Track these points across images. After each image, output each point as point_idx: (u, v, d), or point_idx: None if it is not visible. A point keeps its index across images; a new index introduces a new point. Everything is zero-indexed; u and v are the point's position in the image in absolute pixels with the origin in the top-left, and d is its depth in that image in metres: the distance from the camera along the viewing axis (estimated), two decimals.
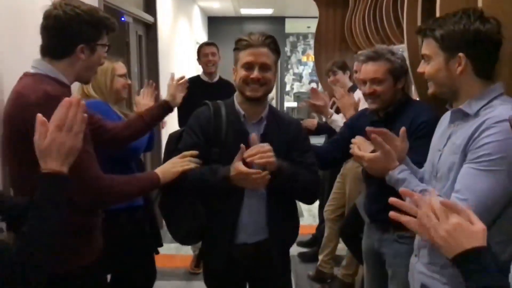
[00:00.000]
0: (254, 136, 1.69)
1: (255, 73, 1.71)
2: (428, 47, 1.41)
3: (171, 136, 1.97)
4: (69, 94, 1.55)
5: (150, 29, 4.53)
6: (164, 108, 2.22)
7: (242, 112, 1.79)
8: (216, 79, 3.82)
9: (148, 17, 4.40)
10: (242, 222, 1.77)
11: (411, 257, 1.57)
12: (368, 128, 1.54)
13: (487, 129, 1.24)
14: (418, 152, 1.60)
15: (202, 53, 3.79)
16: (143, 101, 2.43)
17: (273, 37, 1.76)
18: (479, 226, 0.97)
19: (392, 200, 1.14)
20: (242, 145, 1.64)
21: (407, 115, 1.89)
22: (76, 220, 1.47)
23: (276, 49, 1.77)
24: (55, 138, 1.10)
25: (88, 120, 1.24)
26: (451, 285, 1.32)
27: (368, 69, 1.97)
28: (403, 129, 1.54)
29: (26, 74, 1.51)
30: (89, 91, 2.17)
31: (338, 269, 3.47)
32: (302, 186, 1.76)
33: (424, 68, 1.44)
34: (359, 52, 3.00)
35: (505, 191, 1.22)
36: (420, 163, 1.57)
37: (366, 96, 2.00)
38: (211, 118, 1.77)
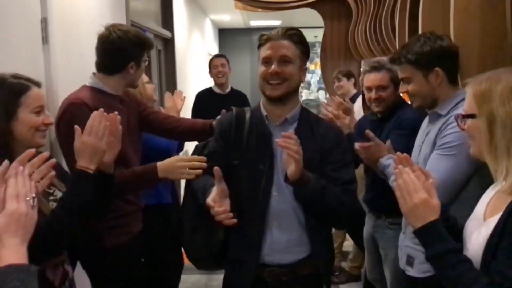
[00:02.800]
0: (216, 170, 1.46)
1: (273, 67, 1.52)
2: (404, 71, 1.74)
3: (197, 147, 1.91)
4: (112, 102, 1.88)
5: (168, 44, 4.90)
6: None
7: (265, 113, 1.62)
8: (228, 90, 3.94)
9: (166, 33, 4.77)
10: (272, 238, 1.55)
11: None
12: (358, 146, 1.93)
13: (450, 123, 1.57)
14: (396, 141, 1.96)
15: (212, 65, 3.94)
16: (170, 103, 2.81)
17: (297, 29, 1.59)
18: (436, 201, 1.17)
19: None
20: (216, 168, 1.45)
21: (398, 115, 2.23)
22: (113, 206, 1.81)
23: (300, 42, 1.57)
24: (85, 142, 1.44)
25: (137, 109, 1.81)
26: None
27: (373, 78, 2.30)
28: (388, 142, 1.91)
29: (82, 86, 1.87)
30: None
31: (345, 263, 3.76)
32: (331, 206, 1.50)
33: (405, 88, 1.76)
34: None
35: (463, 172, 1.54)
36: (398, 150, 1.88)
37: (372, 101, 2.31)
38: (232, 121, 1.64)
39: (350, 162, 1.60)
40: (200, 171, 1.67)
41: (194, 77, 6.38)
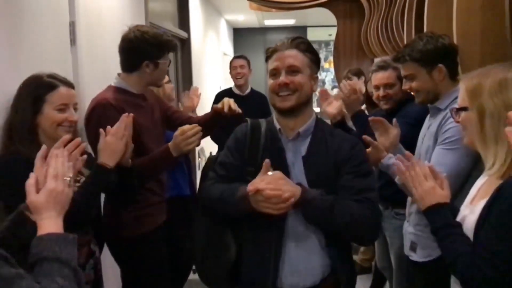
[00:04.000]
0: (267, 162, 1.44)
1: (281, 78, 1.48)
2: (408, 68, 1.85)
3: (209, 160, 1.87)
4: (135, 100, 2.02)
5: (185, 44, 5.05)
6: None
7: (278, 127, 1.56)
8: (247, 91, 3.95)
9: (183, 33, 4.92)
10: (290, 260, 1.47)
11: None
12: (370, 118, 1.98)
13: (449, 118, 1.66)
14: (400, 128, 2.01)
15: (232, 66, 3.97)
16: (188, 103, 2.94)
17: (303, 38, 1.54)
18: (446, 192, 1.35)
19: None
20: (266, 160, 1.43)
21: (405, 109, 2.32)
22: (140, 197, 1.96)
23: (309, 50, 1.53)
24: (107, 142, 1.60)
25: (161, 107, 2.02)
26: (431, 238, 1.73)
27: (380, 77, 2.40)
28: (395, 120, 1.97)
29: (108, 86, 2.02)
30: None
31: (356, 256, 3.86)
32: (343, 222, 1.41)
33: (409, 85, 1.87)
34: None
35: (466, 164, 1.64)
36: (402, 136, 1.97)
37: (380, 99, 2.41)
38: (247, 136, 1.57)
39: (367, 173, 1.49)
40: (200, 134, 1.77)
41: (209, 76, 6.53)
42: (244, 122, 1.63)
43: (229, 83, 8.56)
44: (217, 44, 7.81)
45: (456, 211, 1.41)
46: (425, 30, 2.15)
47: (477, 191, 1.29)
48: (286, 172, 1.46)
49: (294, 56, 1.50)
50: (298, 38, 1.53)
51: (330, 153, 1.49)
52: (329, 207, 1.40)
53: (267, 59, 1.56)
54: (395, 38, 3.97)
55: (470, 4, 1.82)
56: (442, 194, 1.34)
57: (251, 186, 1.37)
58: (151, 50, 1.96)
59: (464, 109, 1.27)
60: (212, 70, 6.88)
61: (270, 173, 1.39)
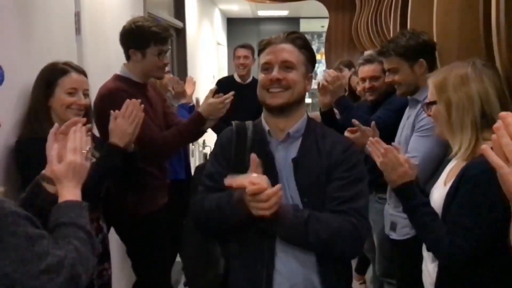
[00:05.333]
0: (253, 157, 1.29)
1: (274, 73, 1.37)
2: (391, 62, 2.00)
3: (198, 168, 1.80)
4: (136, 89, 2.15)
5: (180, 33, 5.16)
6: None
7: (267, 128, 1.44)
8: (249, 80, 3.90)
9: (178, 23, 5.02)
10: (281, 274, 1.35)
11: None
12: (353, 121, 2.12)
13: None
14: (383, 114, 2.25)
15: (236, 55, 3.92)
16: (179, 89, 3.09)
17: (301, 34, 1.44)
18: (413, 171, 1.52)
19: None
20: (253, 155, 1.30)
21: (390, 99, 2.47)
22: (142, 181, 2.10)
23: (305, 47, 1.42)
24: (117, 124, 1.75)
25: (162, 101, 2.17)
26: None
27: (367, 69, 2.56)
28: (373, 123, 2.10)
29: (114, 75, 2.16)
30: None
31: None
32: (319, 240, 1.29)
33: (392, 78, 2.03)
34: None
35: (438, 149, 1.81)
36: (383, 120, 2.17)
37: (366, 90, 2.57)
38: (233, 139, 1.46)
39: (359, 178, 1.37)
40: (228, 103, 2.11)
41: (203, 64, 6.64)
42: (229, 126, 1.51)
43: (223, 73, 8.66)
44: (211, 33, 7.90)
45: (426, 193, 1.58)
46: (408, 27, 2.30)
47: (447, 174, 1.46)
48: (275, 178, 1.34)
49: (289, 51, 1.39)
50: (295, 33, 1.43)
51: (323, 156, 1.38)
52: (303, 224, 1.28)
53: (259, 52, 1.45)
54: (384, 32, 4.13)
55: (448, 5, 1.97)
56: (410, 174, 1.51)
57: (231, 181, 1.22)
58: (135, 39, 2.11)
59: (433, 103, 1.43)
60: (206, 59, 6.99)
61: (254, 174, 1.23)
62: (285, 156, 1.40)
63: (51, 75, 1.75)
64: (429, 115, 1.48)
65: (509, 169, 0.75)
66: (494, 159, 0.77)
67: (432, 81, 1.44)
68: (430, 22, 2.10)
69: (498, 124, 0.76)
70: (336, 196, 1.33)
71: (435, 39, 2.02)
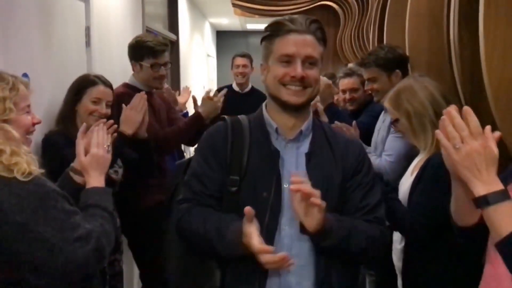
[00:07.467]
0: (248, 210, 1.17)
1: (298, 70, 1.23)
2: (371, 72, 2.29)
3: (179, 165, 1.60)
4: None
5: (174, 46, 5.41)
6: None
7: (275, 125, 1.31)
8: (247, 89, 3.89)
9: (172, 36, 5.28)
10: (280, 284, 1.25)
11: None
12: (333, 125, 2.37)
13: None
14: (365, 118, 2.50)
15: (234, 64, 3.89)
16: (171, 97, 3.30)
17: (319, 22, 1.29)
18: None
19: None
20: (248, 208, 1.17)
21: (370, 107, 2.74)
22: (138, 182, 2.33)
23: (323, 39, 1.29)
24: (127, 114, 2.03)
25: (167, 108, 2.43)
26: None
27: (347, 82, 2.84)
28: (354, 122, 2.34)
29: (123, 83, 2.42)
30: None
31: None
32: (359, 248, 1.25)
33: (371, 86, 2.31)
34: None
35: (410, 150, 2.07)
36: (365, 123, 2.43)
37: (346, 101, 2.84)
38: (228, 137, 1.32)
39: (375, 183, 1.34)
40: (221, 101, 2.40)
41: (195, 76, 6.91)
42: (221, 121, 1.39)
43: (212, 84, 8.90)
44: (202, 45, 8.18)
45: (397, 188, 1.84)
46: (384, 41, 2.60)
47: (414, 166, 1.73)
48: (279, 180, 1.27)
49: (313, 45, 1.25)
50: (316, 21, 1.28)
51: (337, 157, 1.30)
52: (347, 235, 1.22)
53: (270, 36, 1.28)
54: (366, 46, 4.46)
55: (419, 23, 2.27)
56: None
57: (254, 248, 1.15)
58: (134, 52, 2.43)
59: (396, 120, 1.71)
60: (197, 71, 7.26)
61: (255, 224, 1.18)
62: (296, 153, 1.30)
63: (82, 84, 2.02)
64: (399, 131, 1.75)
65: (452, 149, 1.00)
66: (443, 140, 1.01)
67: (388, 103, 1.72)
68: (403, 38, 2.39)
69: (444, 116, 1.01)
70: (362, 206, 1.29)
71: (407, 53, 2.31)
